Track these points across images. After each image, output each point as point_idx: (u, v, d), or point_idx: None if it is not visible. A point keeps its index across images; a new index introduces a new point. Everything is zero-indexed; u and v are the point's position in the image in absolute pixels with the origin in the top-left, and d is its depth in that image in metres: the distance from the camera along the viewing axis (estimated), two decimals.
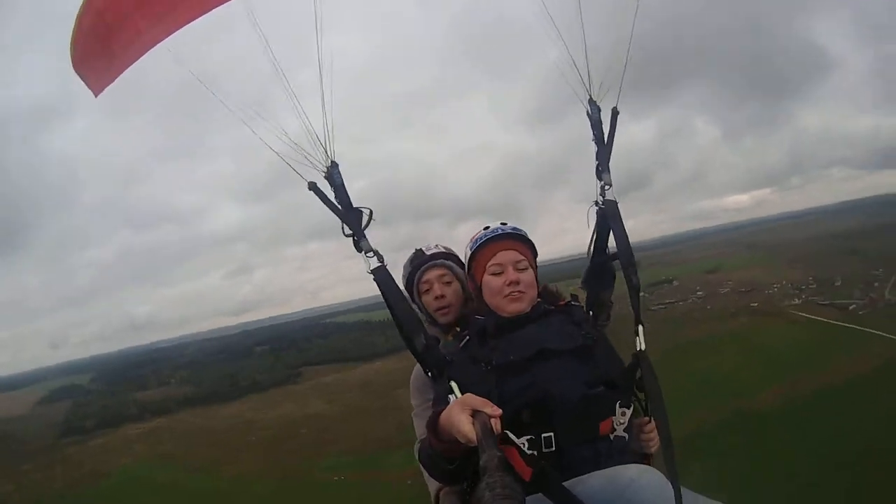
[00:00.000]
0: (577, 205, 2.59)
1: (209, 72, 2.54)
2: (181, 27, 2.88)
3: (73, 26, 2.90)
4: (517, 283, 2.30)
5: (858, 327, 61.26)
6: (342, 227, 2.35)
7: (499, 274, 2.33)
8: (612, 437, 1.99)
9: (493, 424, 1.60)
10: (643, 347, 2.17)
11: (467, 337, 2.31)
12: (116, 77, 3.04)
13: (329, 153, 2.47)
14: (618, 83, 2.60)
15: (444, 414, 1.77)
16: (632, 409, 2.09)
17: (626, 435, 2.04)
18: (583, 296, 2.60)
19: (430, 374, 2.28)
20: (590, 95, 2.63)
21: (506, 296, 2.30)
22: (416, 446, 2.47)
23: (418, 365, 2.48)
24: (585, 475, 1.84)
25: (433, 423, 1.86)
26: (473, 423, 1.60)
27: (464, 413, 1.65)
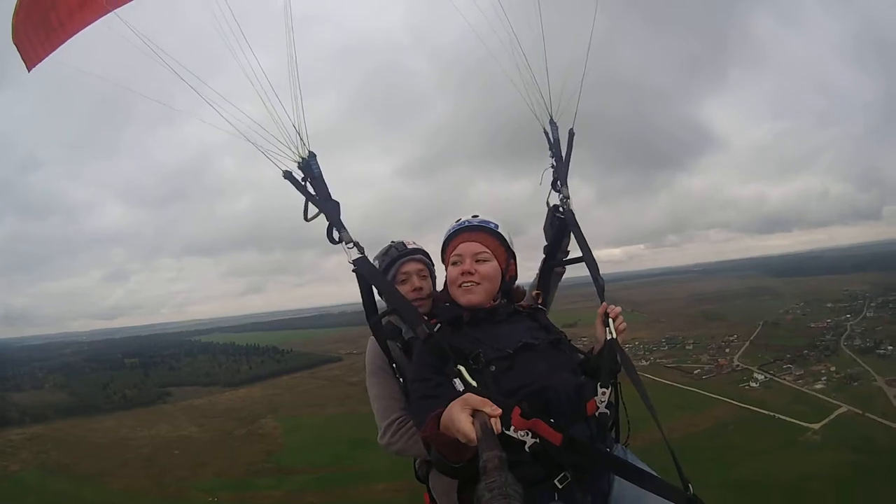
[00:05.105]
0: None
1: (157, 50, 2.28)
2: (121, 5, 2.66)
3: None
4: (471, 273, 2.35)
5: (696, 390, 68.16)
6: (328, 229, 2.34)
7: (457, 264, 2.39)
8: (597, 414, 2.12)
9: (493, 424, 1.55)
10: (614, 336, 2.31)
11: (438, 325, 2.28)
12: (52, 51, 2.89)
13: (305, 142, 2.37)
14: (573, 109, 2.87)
15: (444, 413, 1.70)
16: (610, 388, 2.16)
17: (608, 411, 2.14)
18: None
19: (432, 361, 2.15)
20: (550, 116, 2.90)
21: (459, 286, 2.37)
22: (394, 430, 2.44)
23: (372, 344, 2.62)
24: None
25: (435, 421, 1.76)
26: (473, 423, 1.56)
27: (464, 412, 1.60)
